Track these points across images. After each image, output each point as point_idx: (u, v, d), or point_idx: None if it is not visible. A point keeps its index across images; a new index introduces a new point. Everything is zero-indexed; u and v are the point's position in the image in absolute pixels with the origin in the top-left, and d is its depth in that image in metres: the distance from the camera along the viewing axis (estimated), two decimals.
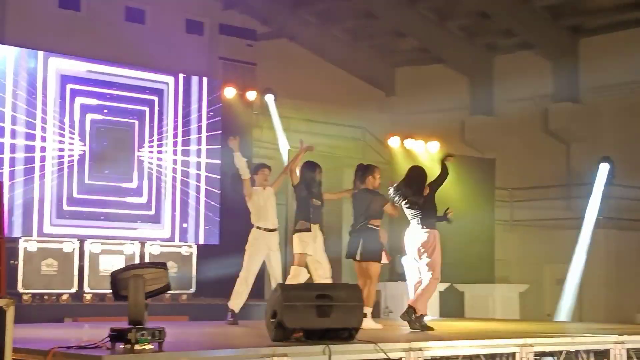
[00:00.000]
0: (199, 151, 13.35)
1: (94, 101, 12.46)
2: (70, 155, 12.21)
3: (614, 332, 8.47)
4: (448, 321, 10.48)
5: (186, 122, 13.26)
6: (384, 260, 9.35)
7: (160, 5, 15.27)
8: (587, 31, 17.60)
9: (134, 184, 12.75)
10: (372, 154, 16.77)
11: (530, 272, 16.65)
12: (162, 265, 6.28)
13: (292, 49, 17.86)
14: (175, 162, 13.11)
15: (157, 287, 6.16)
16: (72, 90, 12.32)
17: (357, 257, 9.29)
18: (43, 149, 12.01)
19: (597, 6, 16.96)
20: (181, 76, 13.29)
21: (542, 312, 16.24)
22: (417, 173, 8.99)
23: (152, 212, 12.88)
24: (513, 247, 17.15)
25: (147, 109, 12.94)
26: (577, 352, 8.72)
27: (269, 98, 14.56)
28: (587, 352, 8.53)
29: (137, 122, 12.84)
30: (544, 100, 17.96)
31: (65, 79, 12.26)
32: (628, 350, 8.24)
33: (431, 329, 8.60)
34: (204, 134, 13.39)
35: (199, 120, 13.39)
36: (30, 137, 11.92)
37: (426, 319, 8.77)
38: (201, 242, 13.12)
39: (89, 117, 12.43)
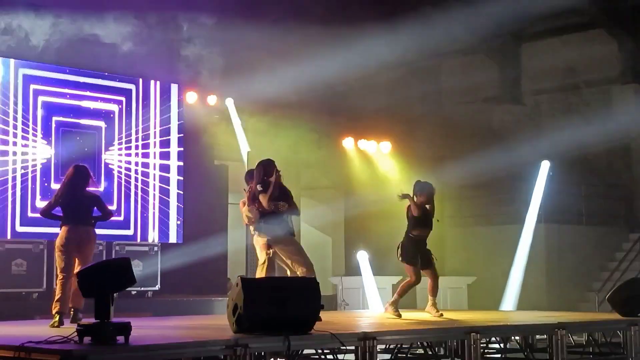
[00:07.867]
0: (161, 154, 13.22)
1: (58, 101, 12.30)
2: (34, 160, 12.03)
3: (556, 319, 8.61)
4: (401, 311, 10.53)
5: (146, 127, 13.12)
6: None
7: None
8: (529, 36, 17.53)
9: (101, 189, 12.61)
10: None
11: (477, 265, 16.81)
12: (126, 260, 6.28)
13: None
14: (138, 164, 12.99)
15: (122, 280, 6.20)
16: (35, 90, 12.11)
17: None
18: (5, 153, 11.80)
19: None
20: (140, 81, 13.13)
21: (490, 303, 16.39)
22: None
23: (121, 217, 12.73)
24: (461, 241, 17.27)
25: (115, 110, 12.81)
26: (523, 338, 8.88)
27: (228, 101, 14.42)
28: (531, 337, 8.68)
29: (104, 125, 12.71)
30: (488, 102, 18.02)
31: (28, 80, 12.02)
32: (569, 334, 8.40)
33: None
34: (157, 138, 13.31)
35: (161, 124, 13.28)
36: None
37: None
38: (167, 240, 13.03)
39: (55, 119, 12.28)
